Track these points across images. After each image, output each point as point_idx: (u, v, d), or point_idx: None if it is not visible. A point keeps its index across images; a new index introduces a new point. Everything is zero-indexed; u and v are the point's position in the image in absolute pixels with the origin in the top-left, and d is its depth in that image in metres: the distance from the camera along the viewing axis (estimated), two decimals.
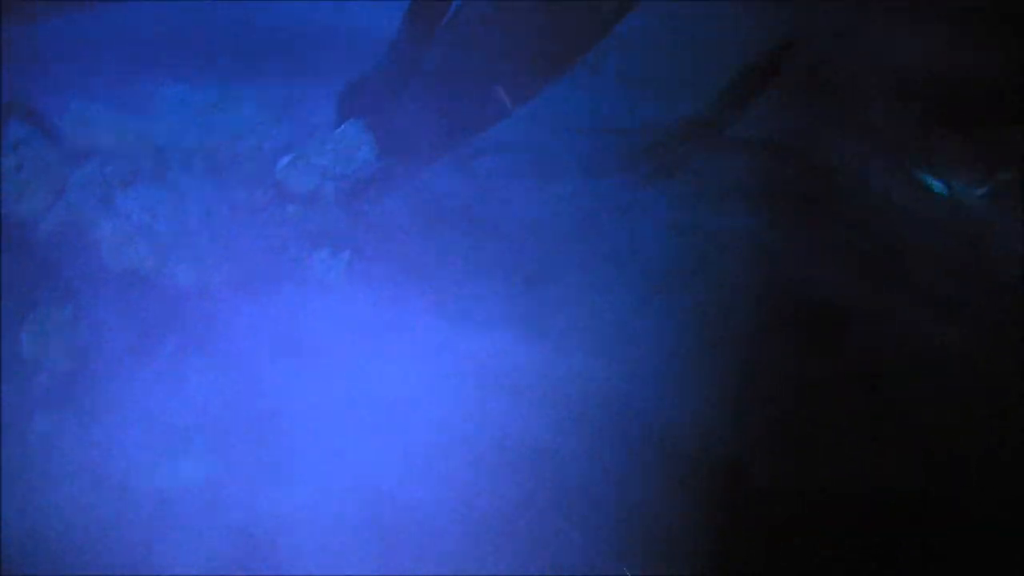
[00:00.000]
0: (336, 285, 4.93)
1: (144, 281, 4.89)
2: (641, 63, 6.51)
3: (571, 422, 4.66)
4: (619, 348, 5.10)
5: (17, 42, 5.75)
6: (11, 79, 5.43)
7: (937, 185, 6.28)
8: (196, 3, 6.45)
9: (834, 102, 6.54)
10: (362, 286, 4.90)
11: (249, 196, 5.30)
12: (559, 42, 5.27)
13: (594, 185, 6.05)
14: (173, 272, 4.89)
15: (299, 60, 6.34)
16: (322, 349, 4.73)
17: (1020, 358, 5.16)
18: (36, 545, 4.11)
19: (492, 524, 4.24)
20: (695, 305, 5.40)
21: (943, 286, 5.63)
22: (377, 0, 6.47)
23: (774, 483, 4.53)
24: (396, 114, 5.63)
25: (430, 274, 4.96)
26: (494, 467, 4.42)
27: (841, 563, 4.27)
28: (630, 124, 6.42)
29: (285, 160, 5.34)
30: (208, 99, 5.82)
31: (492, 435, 4.55)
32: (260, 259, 5.04)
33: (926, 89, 6.37)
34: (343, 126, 5.50)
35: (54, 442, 4.37)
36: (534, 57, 5.28)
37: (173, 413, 4.50)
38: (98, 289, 4.85)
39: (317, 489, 4.24)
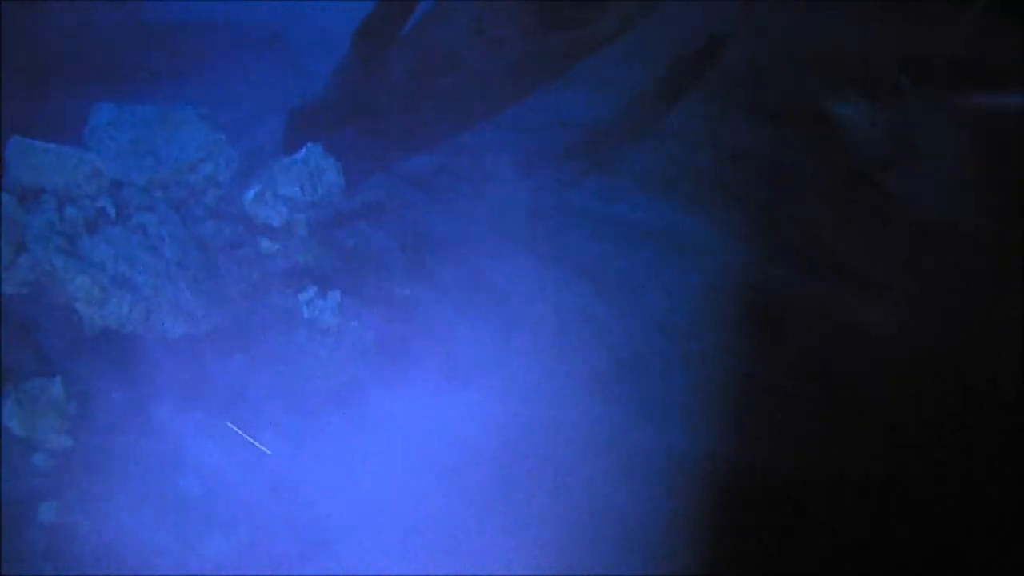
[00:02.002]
0: (329, 329, 4.86)
1: (129, 338, 4.69)
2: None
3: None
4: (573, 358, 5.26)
5: None
6: None
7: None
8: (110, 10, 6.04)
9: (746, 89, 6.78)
10: (356, 330, 4.84)
11: (218, 231, 5.12)
12: (540, 66, 5.25)
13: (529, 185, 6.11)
14: (160, 326, 4.72)
15: (238, 68, 6.07)
16: (325, 403, 4.69)
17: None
18: None
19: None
20: (638, 305, 5.60)
21: (861, 264, 6.02)
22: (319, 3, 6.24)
23: (741, 478, 4.82)
24: (356, 133, 5.50)
25: (423, 315, 4.95)
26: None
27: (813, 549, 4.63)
28: (567, 118, 6.47)
29: (251, 193, 5.18)
30: (141, 117, 5.51)
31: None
32: (245, 304, 4.91)
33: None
34: (303, 150, 5.34)
35: (63, 535, 4.18)
36: (514, 79, 5.25)
37: (185, 484, 4.39)
38: (82, 353, 4.62)
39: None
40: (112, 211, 4.95)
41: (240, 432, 4.48)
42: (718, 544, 4.50)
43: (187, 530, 4.24)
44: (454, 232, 5.34)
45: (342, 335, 4.85)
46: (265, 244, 5.06)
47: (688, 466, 4.70)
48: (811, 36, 6.49)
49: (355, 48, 5.45)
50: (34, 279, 4.67)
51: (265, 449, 4.45)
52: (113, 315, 4.65)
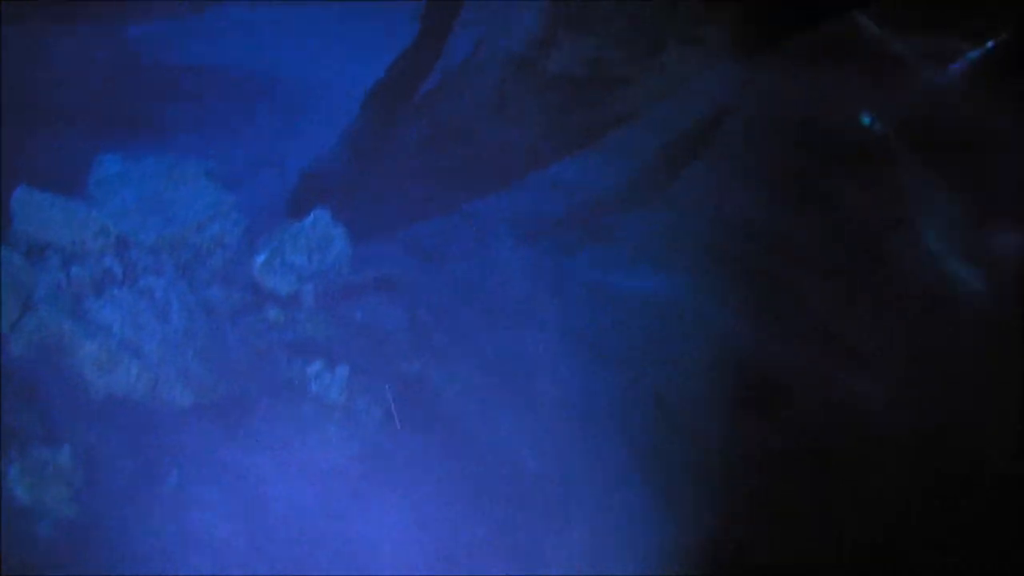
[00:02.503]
0: (337, 403, 4.88)
1: (136, 406, 4.65)
2: None
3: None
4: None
5: None
6: None
7: None
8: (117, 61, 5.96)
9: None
10: (364, 407, 4.87)
11: (226, 297, 5.10)
12: (558, 143, 5.34)
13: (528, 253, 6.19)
14: (167, 396, 4.68)
15: (233, 115, 6.03)
16: (332, 480, 4.71)
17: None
18: None
19: None
20: (636, 378, 5.73)
21: (856, 338, 6.21)
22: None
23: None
24: (364, 198, 5.53)
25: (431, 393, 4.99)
26: None
27: None
28: (558, 180, 6.55)
29: (260, 259, 5.16)
30: (147, 171, 5.46)
31: None
32: (252, 375, 4.89)
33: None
34: (312, 215, 5.35)
35: None
36: (529, 154, 5.32)
37: (195, 561, 4.37)
38: (88, 419, 4.56)
39: None
40: (119, 271, 4.88)
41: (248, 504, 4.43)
42: None
43: None
44: (461, 306, 5.37)
45: (350, 412, 4.85)
46: (273, 313, 5.05)
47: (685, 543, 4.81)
48: (812, 103, 6.62)
49: (366, 112, 5.44)
50: (40, 341, 4.57)
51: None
52: (120, 382, 4.60)
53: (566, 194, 6.42)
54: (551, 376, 5.41)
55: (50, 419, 4.44)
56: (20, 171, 4.92)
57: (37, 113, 5.42)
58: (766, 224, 6.49)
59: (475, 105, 5.09)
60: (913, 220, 6.49)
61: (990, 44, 6.27)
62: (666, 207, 6.54)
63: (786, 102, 6.75)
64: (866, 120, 6.58)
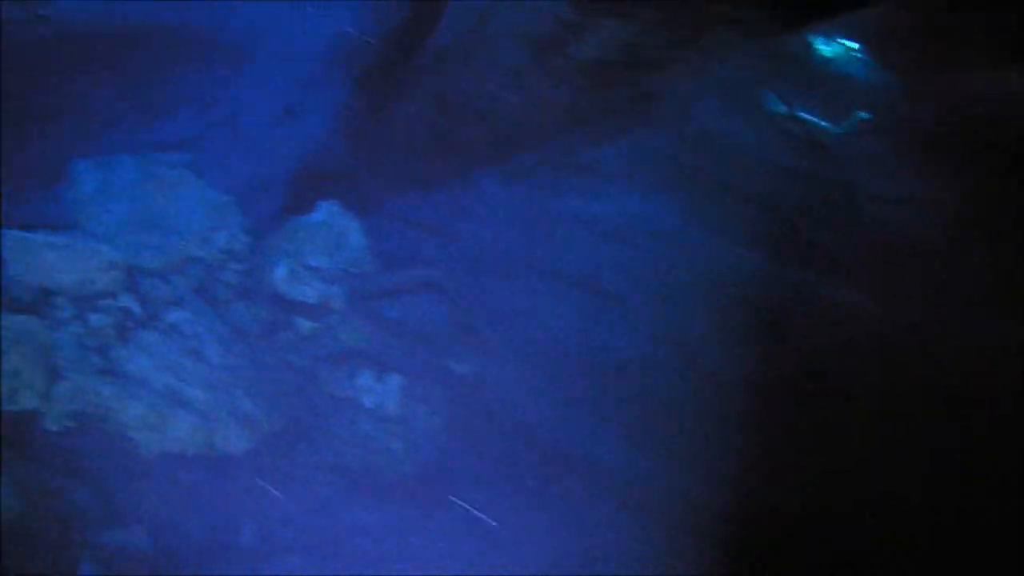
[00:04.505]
0: (392, 416, 4.72)
1: (193, 461, 4.40)
2: None
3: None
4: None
5: None
6: None
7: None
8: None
9: None
10: (423, 415, 4.73)
11: (252, 315, 4.78)
12: (572, 120, 5.06)
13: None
14: (223, 442, 4.44)
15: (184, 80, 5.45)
16: (408, 495, 4.61)
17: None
18: None
19: None
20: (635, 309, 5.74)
21: (832, 246, 6.33)
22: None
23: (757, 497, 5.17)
24: (367, 183, 5.18)
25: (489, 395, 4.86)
26: None
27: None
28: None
29: (281, 270, 4.81)
30: (126, 176, 4.96)
31: None
32: (301, 399, 4.66)
33: None
34: (321, 211, 4.99)
35: None
36: (543, 131, 5.04)
37: None
38: (147, 485, 4.29)
39: None
40: (137, 309, 4.48)
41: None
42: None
43: None
44: (486, 279, 5.16)
45: (409, 422, 4.69)
46: (305, 325, 4.76)
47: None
48: None
49: (358, 95, 5.00)
50: (78, 410, 4.21)
51: None
52: (173, 438, 4.29)
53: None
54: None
55: (107, 492, 4.11)
56: None
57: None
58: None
59: (485, 83, 4.71)
60: None
61: None
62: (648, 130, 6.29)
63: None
64: None
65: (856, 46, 6.70)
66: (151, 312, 4.43)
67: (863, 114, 7.03)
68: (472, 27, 4.74)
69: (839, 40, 6.60)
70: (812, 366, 5.45)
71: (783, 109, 6.97)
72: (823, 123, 7.08)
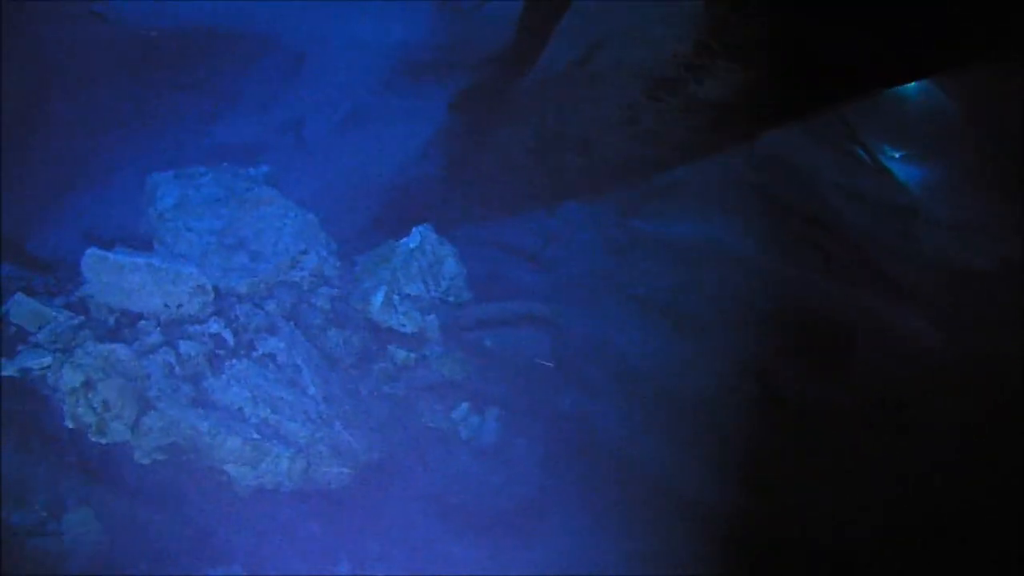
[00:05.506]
0: (489, 449, 4.45)
1: (290, 497, 4.12)
2: None
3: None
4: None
5: None
6: None
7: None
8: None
9: None
10: (522, 448, 4.47)
11: (345, 342, 4.51)
12: (676, 158, 4.87)
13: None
14: (322, 477, 4.16)
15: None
16: (503, 531, 4.35)
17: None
18: None
19: None
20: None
21: (895, 271, 6.19)
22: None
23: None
24: (461, 209, 4.96)
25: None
26: None
27: None
28: None
29: (378, 299, 4.55)
30: (206, 191, 4.71)
31: None
32: (397, 429, 4.40)
33: None
34: (416, 236, 4.74)
35: None
36: (645, 164, 4.85)
37: None
38: (244, 524, 4.01)
39: None
40: (229, 338, 4.20)
41: None
42: None
43: None
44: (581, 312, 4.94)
45: (506, 456, 4.43)
46: (400, 355, 4.50)
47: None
48: None
49: (454, 115, 4.78)
50: (169, 443, 3.93)
51: None
52: (270, 473, 4.01)
53: None
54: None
55: (201, 528, 3.83)
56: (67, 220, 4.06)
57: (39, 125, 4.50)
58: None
59: (591, 113, 4.51)
60: None
61: None
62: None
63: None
64: None
65: None
66: (244, 340, 4.13)
67: (924, 139, 7.01)
68: (581, 57, 4.57)
69: None
70: (886, 394, 5.30)
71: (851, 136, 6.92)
72: (887, 147, 7.06)
